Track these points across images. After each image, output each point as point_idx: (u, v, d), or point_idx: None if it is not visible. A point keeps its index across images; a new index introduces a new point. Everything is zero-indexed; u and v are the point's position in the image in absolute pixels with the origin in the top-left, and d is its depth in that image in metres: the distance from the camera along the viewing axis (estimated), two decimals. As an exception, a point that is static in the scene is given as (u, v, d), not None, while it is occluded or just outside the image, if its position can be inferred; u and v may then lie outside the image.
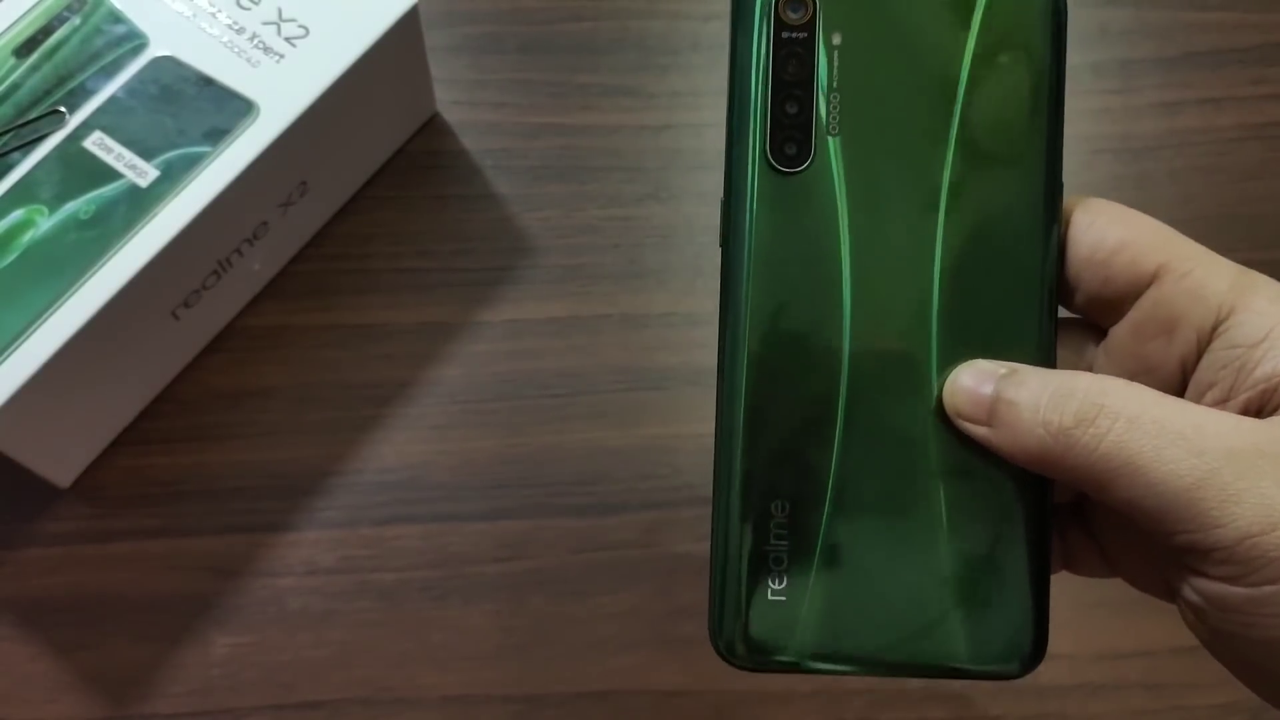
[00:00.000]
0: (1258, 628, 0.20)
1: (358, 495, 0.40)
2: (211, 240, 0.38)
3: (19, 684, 0.38)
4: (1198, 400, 0.22)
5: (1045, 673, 0.38)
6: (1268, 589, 0.20)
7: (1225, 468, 0.20)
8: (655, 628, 0.39)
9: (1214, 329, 0.22)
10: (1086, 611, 0.38)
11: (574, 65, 0.46)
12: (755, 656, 0.24)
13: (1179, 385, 0.23)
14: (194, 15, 0.39)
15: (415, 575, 0.40)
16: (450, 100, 0.45)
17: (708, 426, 0.23)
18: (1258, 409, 0.22)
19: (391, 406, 0.41)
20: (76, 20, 0.39)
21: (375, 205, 0.44)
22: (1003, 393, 0.22)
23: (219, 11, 0.40)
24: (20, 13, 0.39)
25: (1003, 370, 0.22)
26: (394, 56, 0.41)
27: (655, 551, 0.40)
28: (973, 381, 0.23)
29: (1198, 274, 0.22)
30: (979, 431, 0.22)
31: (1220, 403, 0.22)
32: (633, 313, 0.43)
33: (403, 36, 0.40)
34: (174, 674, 0.38)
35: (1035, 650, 0.24)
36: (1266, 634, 0.20)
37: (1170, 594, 0.23)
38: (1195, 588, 0.21)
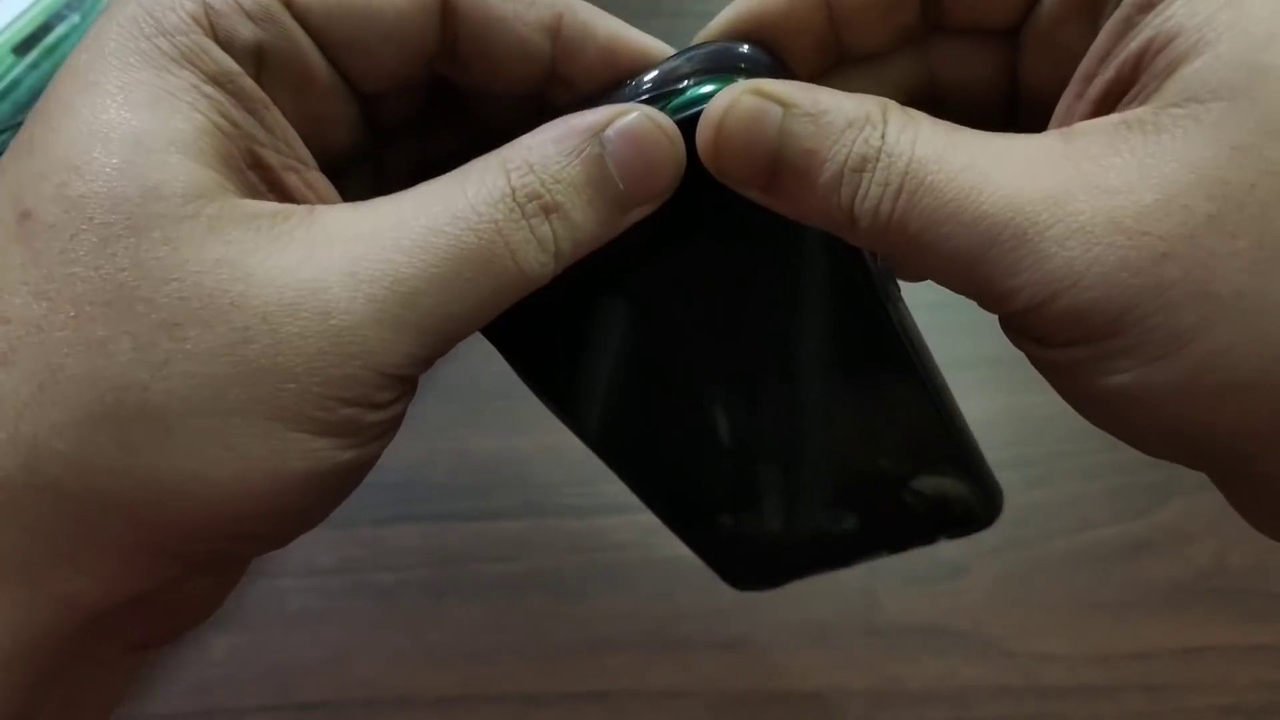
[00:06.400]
0: (1068, 387, 0.19)
1: (356, 495, 0.40)
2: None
3: (17, 683, 0.38)
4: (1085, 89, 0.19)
5: (1044, 674, 0.38)
6: (1062, 352, 0.18)
7: (1005, 232, 0.17)
8: (654, 628, 0.39)
9: None
10: (1085, 613, 0.38)
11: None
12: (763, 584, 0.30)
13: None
14: (194, 13, 0.39)
15: (414, 575, 0.40)
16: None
17: (707, 427, 0.23)
18: (1113, 98, 0.18)
19: (391, 406, 0.41)
20: (75, 18, 0.39)
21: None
22: (789, 149, 0.18)
23: (219, 10, 0.39)
24: (20, 10, 0.39)
25: (796, 98, 0.18)
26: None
27: (654, 552, 0.40)
28: (746, 122, 0.18)
29: None
30: (752, 194, 0.19)
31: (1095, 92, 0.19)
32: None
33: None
34: (173, 673, 0.38)
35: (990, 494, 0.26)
36: (1077, 388, 0.19)
37: None
38: (1017, 345, 0.20)
